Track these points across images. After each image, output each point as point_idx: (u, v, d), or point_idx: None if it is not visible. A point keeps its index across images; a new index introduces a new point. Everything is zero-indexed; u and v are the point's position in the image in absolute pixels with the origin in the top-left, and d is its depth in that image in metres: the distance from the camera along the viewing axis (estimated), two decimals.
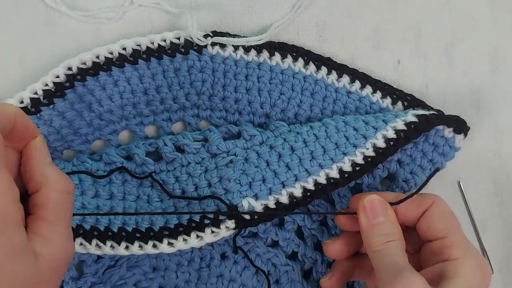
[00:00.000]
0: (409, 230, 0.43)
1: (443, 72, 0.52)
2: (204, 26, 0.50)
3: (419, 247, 0.44)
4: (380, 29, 0.52)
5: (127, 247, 0.44)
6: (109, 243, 0.44)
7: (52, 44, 0.49)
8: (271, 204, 0.45)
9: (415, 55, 0.52)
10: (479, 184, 0.52)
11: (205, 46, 0.48)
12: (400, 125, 0.45)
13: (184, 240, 0.44)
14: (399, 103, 0.49)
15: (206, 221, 0.44)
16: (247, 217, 0.44)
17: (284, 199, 0.45)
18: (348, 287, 0.49)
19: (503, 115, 0.52)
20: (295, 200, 0.45)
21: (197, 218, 0.44)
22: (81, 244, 0.43)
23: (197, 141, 0.47)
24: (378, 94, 0.49)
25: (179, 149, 0.47)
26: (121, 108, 0.47)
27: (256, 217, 0.44)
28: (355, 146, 0.45)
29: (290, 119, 0.49)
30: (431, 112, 0.48)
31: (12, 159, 0.35)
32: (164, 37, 0.48)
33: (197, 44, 0.48)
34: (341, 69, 0.50)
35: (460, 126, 0.47)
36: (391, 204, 0.43)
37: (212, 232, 0.44)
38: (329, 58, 0.50)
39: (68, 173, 0.43)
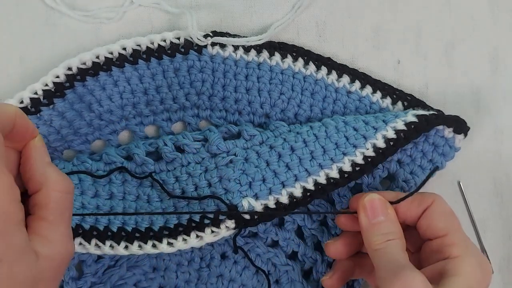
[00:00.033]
0: (410, 229, 0.44)
1: (443, 72, 0.52)
2: (204, 26, 0.50)
3: (420, 246, 0.44)
4: (380, 29, 0.52)
5: (126, 247, 0.44)
6: (108, 243, 0.44)
7: (52, 44, 0.49)
8: (271, 204, 0.45)
9: (415, 55, 0.52)
10: (479, 184, 0.52)
11: (205, 46, 0.48)
12: (400, 125, 0.45)
13: (184, 240, 0.44)
14: (399, 103, 0.49)
15: (206, 221, 0.44)
16: (247, 217, 0.44)
17: (284, 199, 0.45)
18: (348, 286, 0.49)
19: (503, 115, 0.52)
20: (295, 200, 0.45)
21: (197, 218, 0.44)
22: (80, 244, 0.43)
23: (197, 141, 0.47)
24: (378, 94, 0.49)
25: (179, 149, 0.47)
26: (121, 108, 0.47)
27: (256, 217, 0.44)
28: (355, 146, 0.45)
29: (290, 119, 0.49)
30: (431, 112, 0.48)
31: (12, 159, 0.35)
32: (164, 37, 0.48)
33: (197, 44, 0.48)
34: (341, 69, 0.50)
35: (460, 126, 0.47)
36: (391, 203, 0.43)
37: (212, 232, 0.44)
38: (329, 58, 0.50)
39: (68, 173, 0.43)
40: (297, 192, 0.45)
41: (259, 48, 0.49)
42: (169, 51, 0.48)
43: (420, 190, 0.44)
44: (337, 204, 0.48)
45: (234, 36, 0.49)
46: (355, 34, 0.51)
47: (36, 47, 0.49)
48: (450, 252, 0.40)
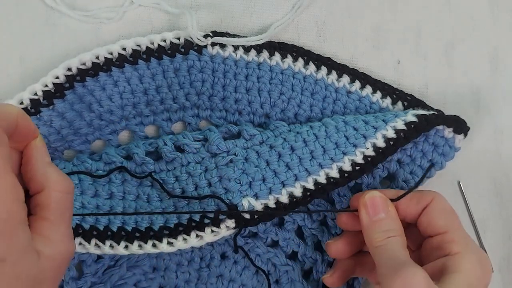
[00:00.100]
0: (410, 227, 0.44)
1: (443, 72, 0.52)
2: (204, 26, 0.50)
3: (420, 243, 0.44)
4: (380, 29, 0.52)
5: (126, 247, 0.44)
6: (108, 242, 0.44)
7: (52, 44, 0.49)
8: (271, 204, 0.45)
9: (415, 55, 0.52)
10: (479, 184, 0.52)
11: (205, 46, 0.48)
12: (400, 125, 0.45)
13: (184, 239, 0.44)
14: (399, 103, 0.49)
15: (206, 221, 0.44)
16: (247, 216, 0.44)
17: (284, 199, 0.45)
18: (348, 286, 0.49)
19: (503, 115, 0.52)
20: (295, 199, 0.45)
21: (197, 217, 0.44)
22: (80, 243, 0.43)
23: (197, 140, 0.47)
24: (378, 94, 0.49)
25: (179, 148, 0.47)
26: (121, 108, 0.47)
27: (256, 216, 0.44)
28: (355, 145, 0.45)
29: (290, 119, 0.49)
30: (431, 112, 0.48)
31: (13, 159, 0.35)
32: (164, 37, 0.48)
33: (197, 44, 0.48)
34: (341, 69, 0.50)
35: (460, 126, 0.47)
36: (391, 200, 0.43)
37: (212, 231, 0.44)
38: (329, 58, 0.50)
39: (67, 173, 0.43)
40: (297, 191, 0.45)
41: (259, 48, 0.49)
42: (169, 51, 0.48)
43: (420, 190, 0.44)
44: (337, 203, 0.48)
45: (234, 36, 0.49)
46: (355, 34, 0.51)
47: (36, 47, 0.49)
48: (450, 249, 0.40)
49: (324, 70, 0.49)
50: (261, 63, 0.48)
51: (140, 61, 0.47)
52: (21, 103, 0.45)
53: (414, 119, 0.45)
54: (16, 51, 0.49)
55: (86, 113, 0.47)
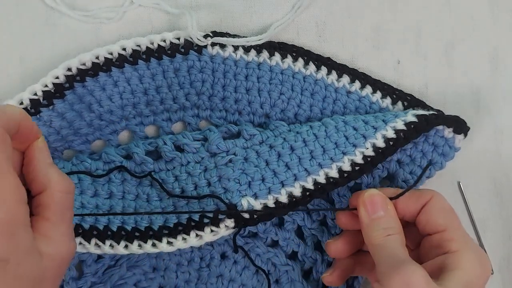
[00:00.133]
0: (409, 226, 0.44)
1: (443, 72, 0.52)
2: (204, 26, 0.50)
3: (418, 243, 0.44)
4: (380, 29, 0.52)
5: (126, 246, 0.44)
6: (108, 242, 0.44)
7: (52, 44, 0.49)
8: (271, 204, 0.45)
9: (415, 55, 0.52)
10: (479, 184, 0.51)
11: (205, 46, 0.48)
12: (400, 125, 0.45)
13: (184, 239, 0.44)
14: (399, 103, 0.49)
15: (206, 220, 0.44)
16: (246, 216, 0.44)
17: (284, 199, 0.45)
18: (348, 285, 0.49)
19: (503, 115, 0.52)
20: (294, 199, 0.45)
21: (196, 217, 0.44)
22: (80, 243, 0.43)
23: (197, 140, 0.47)
24: (378, 94, 0.49)
25: (179, 148, 0.47)
26: (121, 109, 0.47)
27: (255, 216, 0.44)
28: (354, 145, 0.45)
29: (290, 119, 0.49)
30: (431, 112, 0.48)
31: (16, 160, 0.35)
32: (164, 37, 0.48)
33: (197, 44, 0.48)
34: (341, 69, 0.50)
35: (460, 126, 0.47)
36: (390, 199, 0.43)
37: (212, 231, 0.44)
38: (329, 58, 0.50)
39: (67, 173, 0.43)
40: (297, 191, 0.45)
41: (259, 48, 0.49)
42: (169, 52, 0.48)
43: (419, 188, 0.44)
44: (336, 203, 0.48)
45: (234, 36, 0.49)
46: (355, 34, 0.51)
47: (36, 47, 0.49)
48: (449, 247, 0.41)
49: (324, 70, 0.49)
50: (261, 63, 0.48)
51: (140, 61, 0.47)
52: (21, 103, 0.45)
53: (414, 119, 0.45)
54: (16, 51, 0.49)
55: (86, 113, 0.47)
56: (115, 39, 0.48)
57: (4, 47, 0.49)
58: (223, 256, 0.49)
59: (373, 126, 0.46)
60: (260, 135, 0.47)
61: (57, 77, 0.46)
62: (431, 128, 0.46)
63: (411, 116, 0.46)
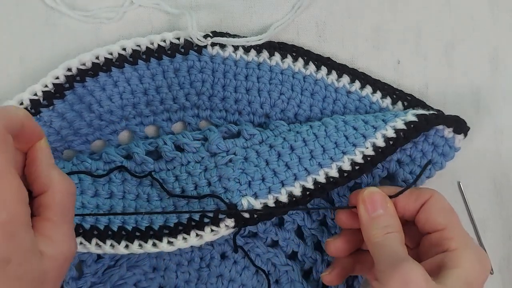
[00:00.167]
0: (408, 225, 0.44)
1: (443, 72, 0.52)
2: (204, 26, 0.50)
3: (418, 241, 0.44)
4: (380, 29, 0.52)
5: (127, 246, 0.44)
6: (109, 242, 0.44)
7: (52, 44, 0.49)
8: (271, 203, 0.45)
9: (415, 55, 0.52)
10: (479, 184, 0.52)
11: (205, 47, 0.48)
12: (400, 125, 0.45)
13: (184, 239, 0.44)
14: (399, 103, 0.49)
15: (206, 220, 0.44)
16: (246, 215, 0.44)
17: (284, 198, 0.45)
18: (348, 285, 0.49)
19: (503, 115, 0.52)
20: (294, 199, 0.45)
21: (196, 217, 0.44)
22: (81, 243, 0.43)
23: (197, 140, 0.47)
24: (378, 94, 0.49)
25: (179, 148, 0.47)
26: (121, 109, 0.47)
27: (255, 216, 0.44)
28: (354, 145, 0.45)
29: (290, 119, 0.49)
30: (431, 112, 0.48)
31: (18, 160, 0.35)
32: (163, 37, 0.48)
33: (197, 45, 0.48)
34: (341, 69, 0.50)
35: (460, 126, 0.47)
36: (390, 197, 0.43)
37: (212, 230, 0.44)
38: (328, 58, 0.50)
39: (67, 173, 0.43)
40: (297, 191, 0.45)
41: (259, 48, 0.49)
42: (169, 52, 0.48)
43: (419, 187, 0.44)
44: (336, 203, 0.48)
45: (234, 36, 0.49)
46: (355, 34, 0.51)
47: (36, 47, 0.49)
48: (448, 245, 0.41)
49: (324, 70, 0.49)
50: (261, 63, 0.49)
51: (140, 61, 0.47)
52: (21, 103, 0.45)
53: (414, 118, 0.45)
54: (16, 51, 0.49)
55: (86, 114, 0.47)
56: (115, 39, 0.48)
57: (4, 47, 0.49)
58: (223, 256, 0.49)
59: (373, 126, 0.46)
60: (260, 135, 0.47)
61: (57, 77, 0.46)
62: (431, 127, 0.46)
63: (411, 115, 0.46)
